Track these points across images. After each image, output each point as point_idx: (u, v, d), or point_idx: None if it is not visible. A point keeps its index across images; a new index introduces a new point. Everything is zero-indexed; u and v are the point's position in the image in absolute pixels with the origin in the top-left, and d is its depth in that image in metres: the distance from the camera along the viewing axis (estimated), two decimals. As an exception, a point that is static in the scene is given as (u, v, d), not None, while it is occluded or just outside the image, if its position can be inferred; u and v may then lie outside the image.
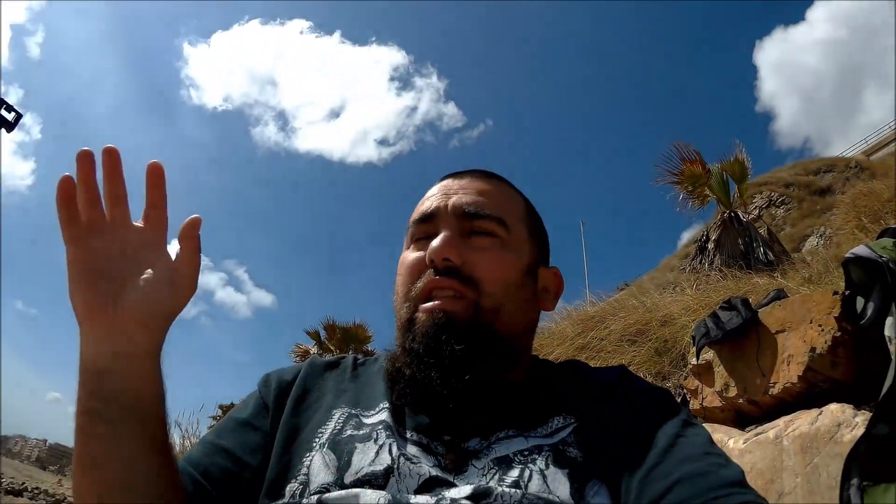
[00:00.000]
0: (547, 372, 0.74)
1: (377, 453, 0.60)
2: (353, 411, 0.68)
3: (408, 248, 0.75)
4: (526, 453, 0.60)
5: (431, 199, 0.75)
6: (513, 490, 0.55)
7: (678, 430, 0.60)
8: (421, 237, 0.73)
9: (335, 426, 0.66)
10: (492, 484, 0.56)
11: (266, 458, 0.66)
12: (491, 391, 0.66)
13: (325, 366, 0.77)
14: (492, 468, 0.59)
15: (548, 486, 0.56)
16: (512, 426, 0.64)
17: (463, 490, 0.55)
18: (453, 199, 0.73)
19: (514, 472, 0.57)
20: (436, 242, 0.68)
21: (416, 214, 0.75)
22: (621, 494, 0.57)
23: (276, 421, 0.69)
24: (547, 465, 0.58)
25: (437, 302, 0.67)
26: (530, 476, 0.57)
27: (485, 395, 0.65)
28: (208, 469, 0.65)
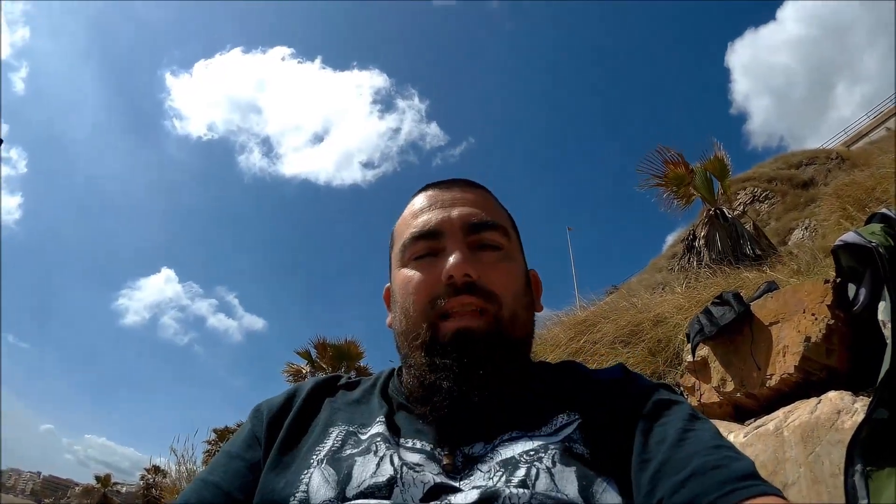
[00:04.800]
0: (544, 371, 0.74)
1: (378, 465, 0.59)
2: (351, 429, 0.66)
3: (405, 265, 0.72)
4: (532, 453, 0.58)
5: (428, 212, 0.73)
6: (520, 490, 0.53)
7: (685, 424, 0.59)
8: (424, 254, 0.71)
9: (333, 443, 0.64)
10: (499, 485, 0.55)
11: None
12: (499, 396, 0.65)
13: (316, 386, 0.75)
14: (498, 470, 0.57)
15: (555, 484, 0.54)
16: (516, 427, 0.62)
17: (469, 495, 0.54)
18: (457, 212, 0.72)
19: (521, 472, 0.56)
20: (454, 259, 0.67)
21: (413, 229, 0.73)
22: (633, 490, 0.56)
23: (269, 451, 0.67)
24: (554, 463, 0.57)
25: (461, 320, 0.66)
26: (537, 474, 0.55)
27: (494, 400, 0.64)
28: None
